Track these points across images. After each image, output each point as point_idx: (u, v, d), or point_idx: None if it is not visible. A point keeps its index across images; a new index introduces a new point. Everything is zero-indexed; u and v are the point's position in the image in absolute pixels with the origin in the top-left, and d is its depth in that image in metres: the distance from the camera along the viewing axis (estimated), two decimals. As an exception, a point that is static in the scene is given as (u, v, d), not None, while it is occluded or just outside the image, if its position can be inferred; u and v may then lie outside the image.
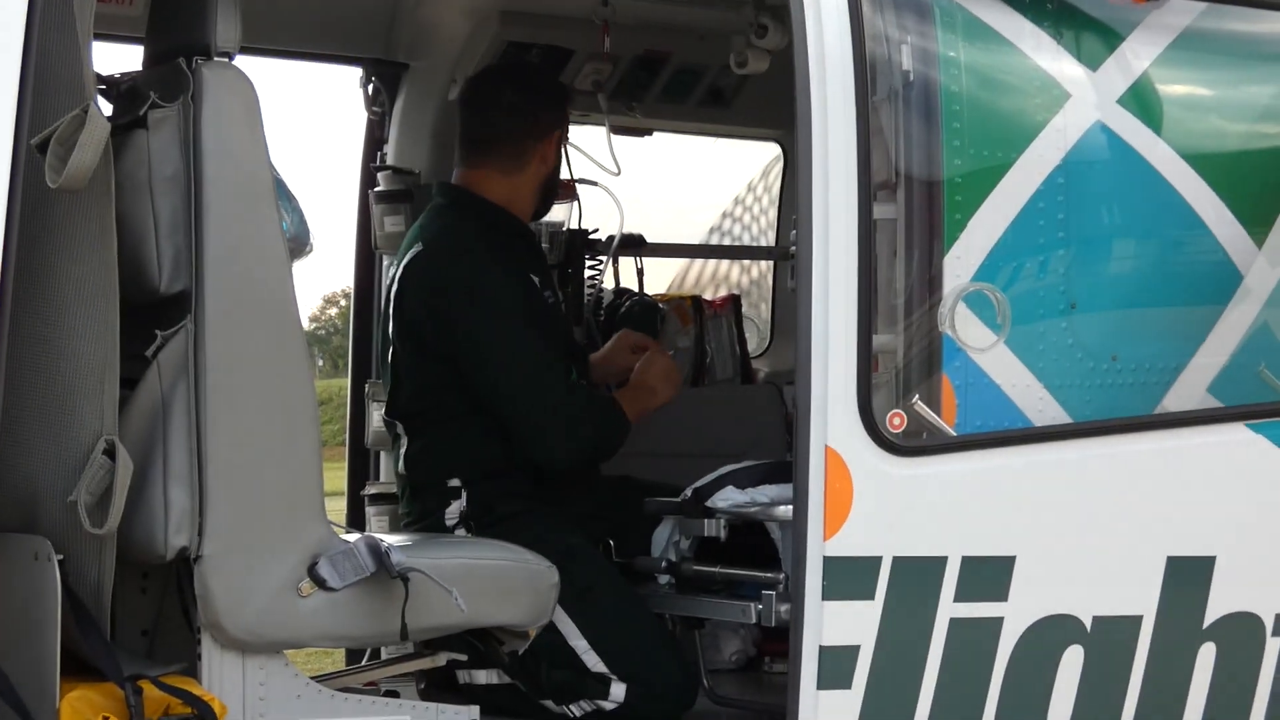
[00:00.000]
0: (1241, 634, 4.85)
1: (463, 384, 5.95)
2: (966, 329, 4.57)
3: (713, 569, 5.67)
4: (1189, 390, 4.93)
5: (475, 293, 5.90)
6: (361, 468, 6.92)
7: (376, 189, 6.96)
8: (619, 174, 7.18)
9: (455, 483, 5.85)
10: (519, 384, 5.87)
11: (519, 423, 5.88)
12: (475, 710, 4.78)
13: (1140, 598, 4.73)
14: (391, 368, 6.13)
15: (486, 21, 6.68)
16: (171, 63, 4.57)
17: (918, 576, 4.47)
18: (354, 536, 4.94)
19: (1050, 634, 4.65)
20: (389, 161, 6.95)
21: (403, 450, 6.33)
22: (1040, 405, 4.70)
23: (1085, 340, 4.84)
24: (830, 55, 4.42)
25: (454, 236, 6.04)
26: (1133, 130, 4.87)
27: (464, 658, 5.28)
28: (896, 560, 4.43)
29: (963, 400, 4.56)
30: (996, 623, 4.55)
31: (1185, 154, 4.92)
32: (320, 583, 4.50)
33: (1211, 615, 4.78)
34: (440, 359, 5.92)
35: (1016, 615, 4.56)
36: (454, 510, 5.80)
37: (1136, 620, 4.73)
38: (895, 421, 4.45)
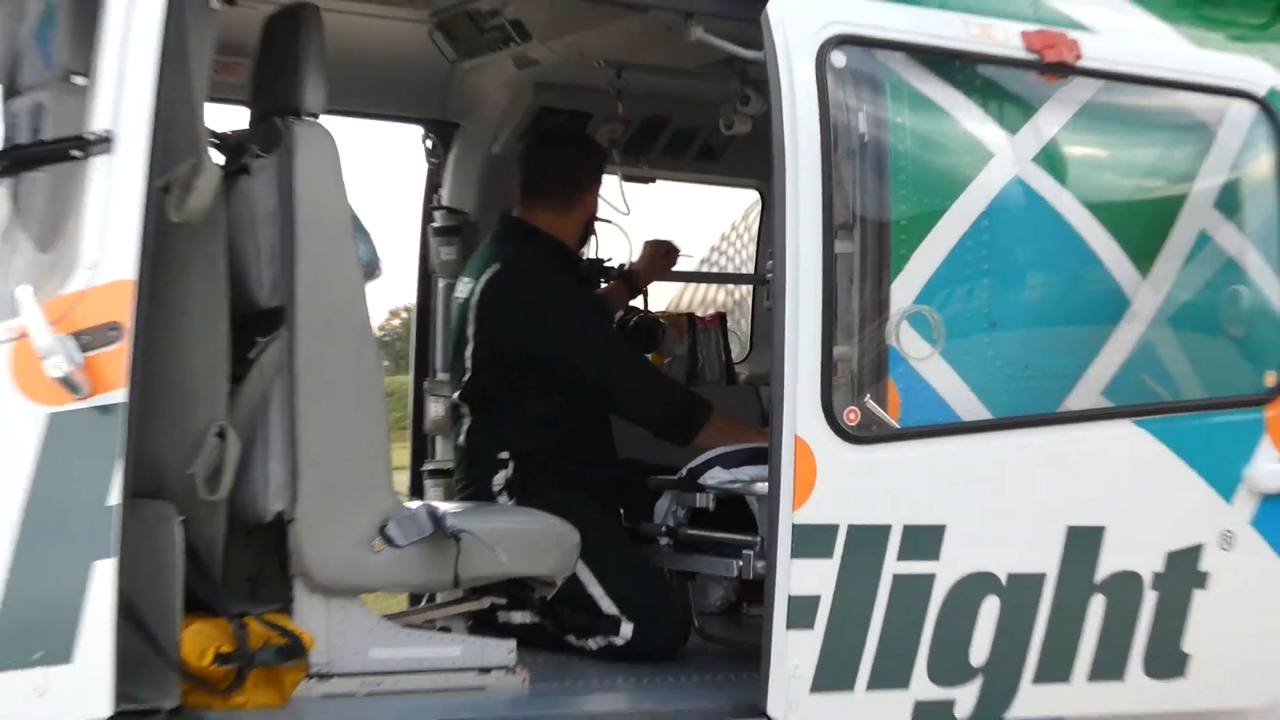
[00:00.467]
0: (1126, 589, 4.87)
1: (532, 378, 5.98)
2: (909, 342, 4.61)
3: (703, 533, 5.73)
4: (1087, 393, 4.96)
5: (561, 308, 6.05)
6: (421, 448, 6.96)
7: (434, 224, 7.01)
8: (628, 214, 7.19)
9: (504, 455, 5.89)
10: (626, 368, 6.13)
11: (622, 390, 6.05)
12: (513, 643, 4.81)
13: (1045, 559, 4.76)
14: (471, 359, 6.11)
15: (523, 90, 6.72)
16: (269, 121, 4.64)
17: (867, 540, 4.49)
18: (416, 504, 5.03)
19: (973, 587, 4.67)
20: (444, 202, 7.00)
21: (465, 427, 6.32)
22: (967, 404, 4.73)
23: (1004, 352, 4.87)
24: (801, 121, 4.43)
25: (528, 259, 6.11)
26: (1043, 183, 4.89)
27: (504, 601, 5.31)
28: (851, 528, 4.47)
29: (905, 399, 4.60)
30: (930, 578, 4.58)
31: (1085, 202, 4.96)
32: (389, 541, 4.57)
33: (1101, 574, 4.82)
34: (514, 359, 5.97)
35: (946, 572, 4.60)
36: (500, 478, 5.84)
37: (1041, 577, 4.77)
38: (851, 416, 4.47)
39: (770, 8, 4.51)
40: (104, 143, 3.40)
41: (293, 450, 4.41)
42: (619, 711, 4.80)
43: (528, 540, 5.06)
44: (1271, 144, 5.23)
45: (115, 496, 3.23)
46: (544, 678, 4.96)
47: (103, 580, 3.20)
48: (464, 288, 6.24)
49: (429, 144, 7.05)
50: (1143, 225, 5.08)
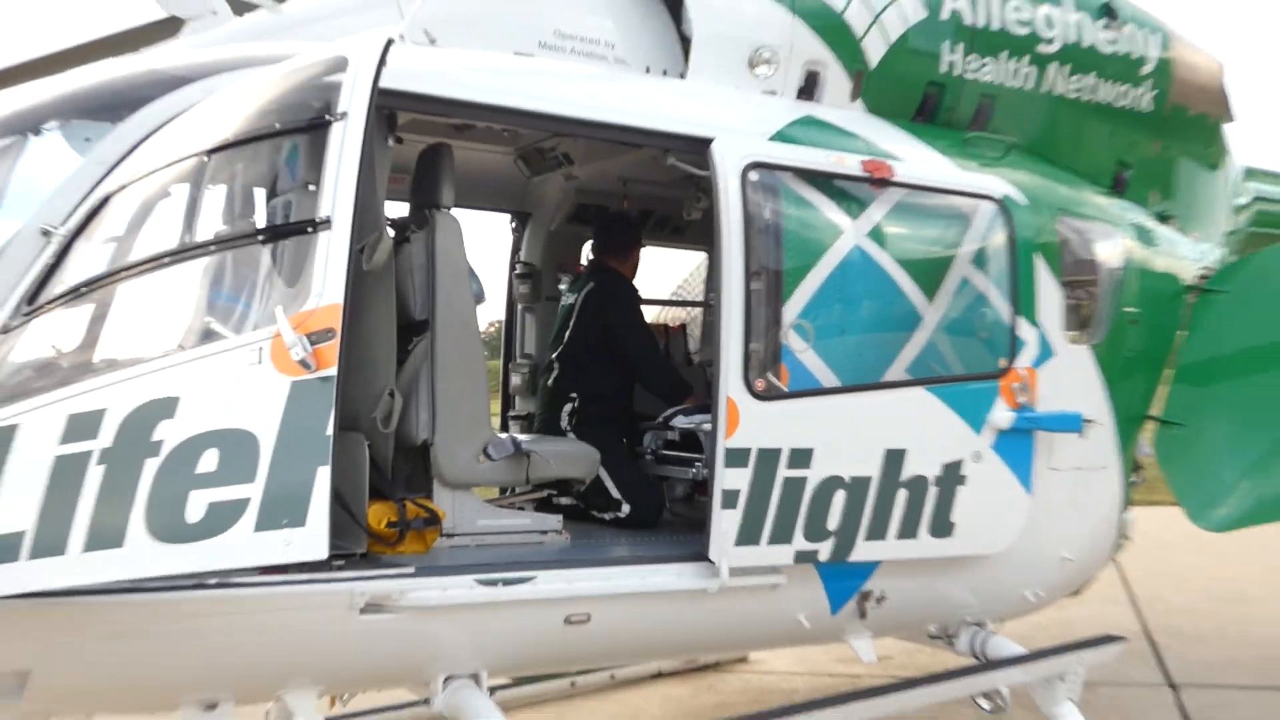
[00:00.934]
0: (918, 485, 4.86)
1: (603, 351, 6.03)
2: (793, 341, 4.69)
3: (672, 453, 5.93)
4: (896, 371, 5.00)
5: (629, 308, 6.15)
6: (507, 403, 6.98)
7: (516, 272, 7.04)
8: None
9: (574, 395, 5.97)
10: (649, 352, 6.17)
11: (647, 368, 6.07)
12: (560, 517, 4.99)
13: (871, 467, 4.77)
14: (569, 337, 6.16)
15: (568, 193, 6.75)
16: (421, 210, 4.85)
17: (768, 457, 4.53)
18: (504, 435, 5.25)
19: (828, 484, 4.68)
20: (521, 259, 7.02)
21: (554, 376, 6.22)
22: (827, 377, 4.75)
23: (848, 348, 4.88)
24: (731, 211, 4.50)
25: (613, 281, 6.18)
26: (871, 248, 4.94)
27: (555, 492, 5.43)
28: (759, 450, 4.52)
29: (791, 375, 4.66)
30: (804, 479, 4.60)
31: (896, 259, 5.00)
32: (488, 456, 4.80)
33: (905, 475, 4.83)
34: (597, 336, 6.01)
35: (814, 476, 4.62)
36: (567, 410, 5.94)
37: (869, 478, 4.76)
38: (759, 385, 4.54)
39: (714, 147, 4.57)
40: (325, 223, 3.47)
41: (432, 404, 4.63)
42: (621, 554, 4.84)
43: (568, 457, 5.25)
44: (1004, 226, 5.22)
45: (329, 430, 3.27)
46: (577, 536, 5.04)
47: (322, 478, 3.23)
48: (568, 298, 6.30)
49: (513, 224, 7.07)
50: (929, 273, 5.10)
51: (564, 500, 5.54)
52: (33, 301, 3.44)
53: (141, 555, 3.11)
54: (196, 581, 3.55)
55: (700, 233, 6.97)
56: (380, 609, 3.96)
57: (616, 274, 6.29)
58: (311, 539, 3.16)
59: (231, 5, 4.79)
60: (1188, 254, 6.56)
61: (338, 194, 3.49)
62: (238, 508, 3.15)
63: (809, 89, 5.39)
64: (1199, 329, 6.20)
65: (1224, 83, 6.83)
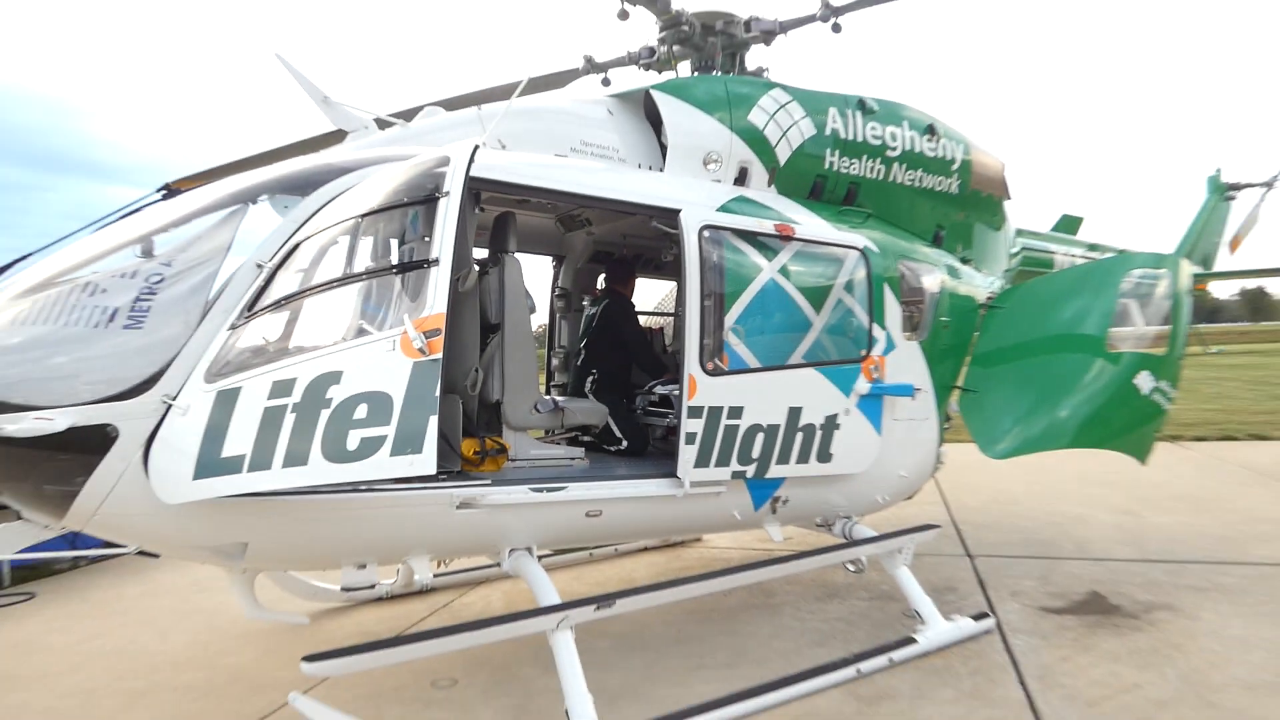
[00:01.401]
0: (808, 430, 4.82)
1: (612, 345, 5.95)
2: (731, 338, 4.62)
3: (655, 409, 5.84)
4: (797, 357, 4.91)
5: (630, 318, 6.10)
6: (549, 376, 6.86)
7: (555, 293, 6.93)
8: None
9: (594, 372, 5.94)
10: (643, 345, 6.08)
11: (641, 355, 6.03)
12: (583, 450, 4.92)
13: (779, 418, 4.74)
14: (588, 336, 6.08)
15: (589, 244, 6.63)
16: (495, 254, 4.83)
17: (715, 413, 4.50)
18: (548, 396, 5.22)
19: (755, 429, 4.65)
20: (559, 285, 6.92)
21: (580, 360, 6.15)
22: (752, 361, 4.68)
23: (766, 342, 4.80)
24: (691, 256, 4.49)
25: (619, 299, 6.10)
26: (781, 279, 4.87)
27: (580, 433, 5.42)
28: (709, 407, 4.49)
29: (729, 359, 4.58)
30: (738, 425, 4.58)
31: (796, 286, 4.92)
32: (537, 410, 4.79)
33: (801, 423, 4.80)
34: (609, 336, 5.97)
35: (746, 424, 4.59)
36: (590, 381, 5.88)
37: (779, 425, 4.73)
38: (709, 366, 4.50)
39: (681, 215, 4.57)
40: (435, 262, 3.47)
41: (502, 376, 4.62)
42: (622, 473, 4.73)
43: (588, 411, 5.24)
44: (865, 266, 5.17)
45: (436, 392, 3.25)
46: (594, 461, 4.97)
47: (432, 424, 3.20)
48: (590, 310, 6.23)
49: (554, 263, 6.96)
50: (817, 295, 5.04)
51: (586, 438, 5.53)
52: (250, 309, 3.47)
53: (319, 470, 3.13)
54: (353, 487, 3.61)
55: (671, 269, 6.93)
56: (469, 506, 4.01)
57: (621, 295, 6.23)
58: (425, 462, 3.15)
59: (378, 123, 4.77)
60: (980, 283, 6.56)
61: (443, 243, 3.51)
62: (379, 441, 3.15)
63: (741, 178, 5.37)
64: (986, 331, 6.20)
65: (1004, 174, 6.80)
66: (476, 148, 3.72)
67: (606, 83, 6.54)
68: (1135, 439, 5.92)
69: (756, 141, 5.34)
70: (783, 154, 5.43)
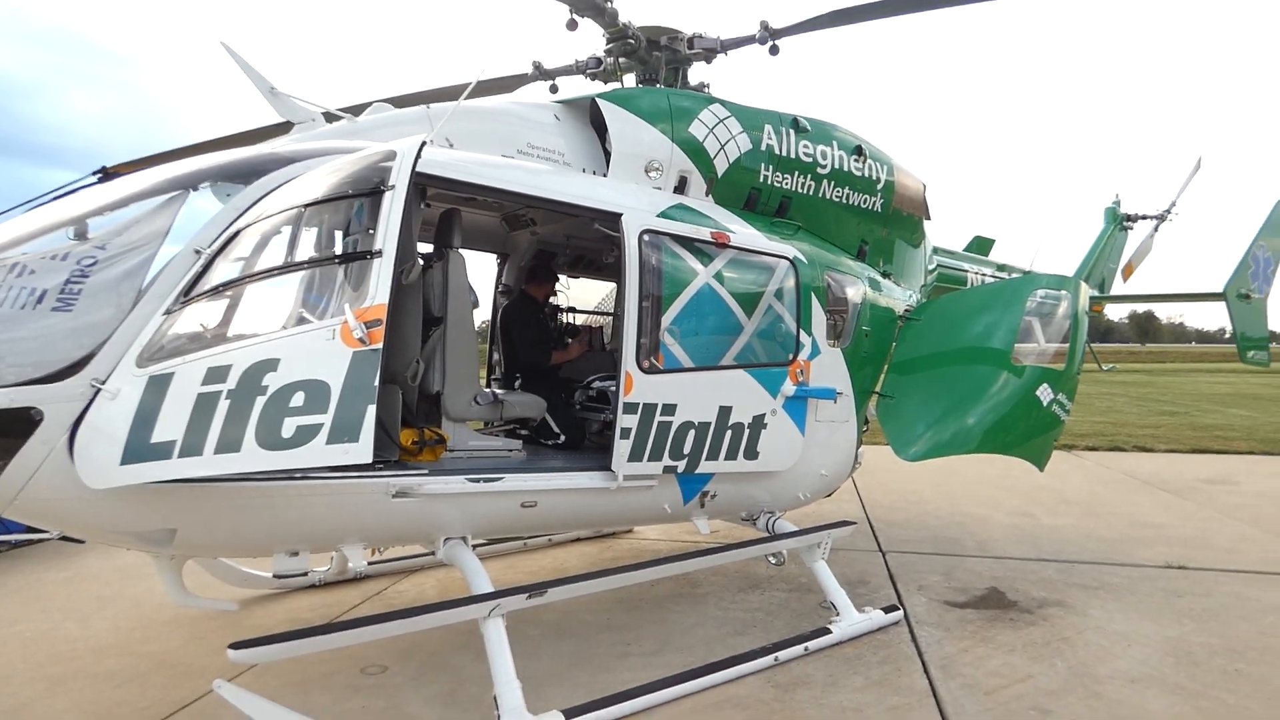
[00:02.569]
0: (738, 428, 4.83)
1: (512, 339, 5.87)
2: (666, 339, 4.58)
3: (593, 404, 5.79)
4: (728, 359, 4.91)
5: (524, 322, 5.91)
6: (490, 370, 6.63)
7: (500, 289, 6.76)
8: (569, 288, 7.23)
9: (517, 375, 5.82)
10: (529, 347, 5.84)
11: (526, 355, 5.82)
12: (520, 442, 4.89)
13: (710, 416, 4.72)
14: (502, 342, 6.03)
15: (532, 243, 6.49)
16: (440, 249, 4.70)
17: (650, 408, 4.47)
18: (488, 389, 5.08)
19: (686, 426, 4.63)
20: (502, 281, 6.76)
21: (504, 364, 6.19)
22: (686, 361, 4.64)
23: (700, 343, 4.78)
24: (631, 259, 4.46)
25: (521, 304, 5.98)
26: (716, 284, 4.85)
27: (518, 426, 5.36)
28: (644, 403, 4.46)
29: (664, 359, 4.55)
30: (670, 422, 4.56)
31: (730, 291, 4.92)
32: (477, 403, 4.70)
33: (731, 422, 4.80)
34: (508, 331, 5.88)
35: (678, 421, 4.57)
36: (517, 384, 5.69)
37: (709, 423, 4.73)
38: (644, 365, 4.46)
39: (623, 219, 4.54)
40: (378, 254, 3.35)
41: (443, 369, 4.52)
42: (558, 465, 4.64)
43: (526, 404, 5.16)
44: (794, 275, 5.21)
45: (375, 382, 3.13)
46: (531, 454, 4.92)
47: (369, 414, 3.08)
48: (500, 315, 6.16)
49: (498, 260, 6.81)
50: (749, 301, 5.04)
51: (523, 432, 5.46)
52: (187, 295, 3.29)
53: (252, 457, 2.99)
54: (287, 474, 3.48)
55: (612, 270, 6.87)
56: (405, 495, 3.90)
57: (528, 297, 6.08)
58: (362, 450, 3.04)
59: (326, 117, 4.61)
60: (899, 296, 6.67)
61: (387, 236, 3.39)
62: (316, 429, 3.03)
63: (681, 187, 5.35)
64: (904, 341, 6.31)
65: (925, 195, 6.97)
66: (424, 143, 3.62)
67: (554, 89, 6.44)
68: (1035, 447, 6.12)
69: (696, 153, 5.34)
70: (720, 166, 5.45)
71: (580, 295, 7.30)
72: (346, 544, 3.98)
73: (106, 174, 3.97)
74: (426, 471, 3.99)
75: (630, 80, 6.15)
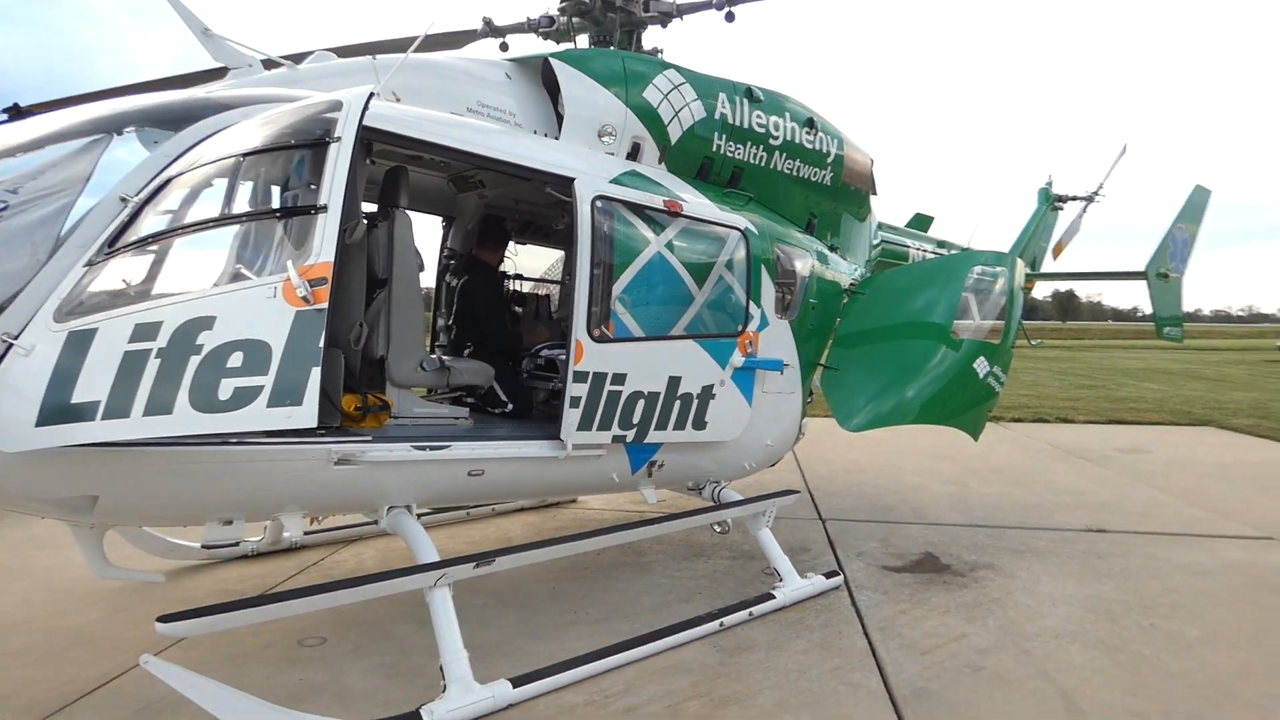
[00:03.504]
0: (686, 398, 4.82)
1: (479, 318, 5.63)
2: (617, 307, 4.49)
3: (541, 372, 5.65)
4: (678, 329, 4.86)
5: (486, 295, 5.72)
6: (434, 337, 6.36)
7: (444, 253, 6.53)
8: (517, 255, 6.99)
9: (469, 344, 5.62)
10: (494, 323, 5.66)
11: (492, 333, 5.58)
12: (467, 410, 4.76)
13: (660, 386, 4.67)
14: (457, 305, 5.80)
15: (479, 206, 6.25)
16: (386, 208, 4.48)
17: (599, 378, 4.40)
18: (434, 355, 4.92)
19: (636, 396, 4.58)
20: (448, 245, 6.52)
21: (453, 334, 5.88)
22: (636, 331, 4.58)
23: (652, 313, 4.71)
24: (583, 224, 4.36)
25: (481, 274, 5.77)
26: (666, 252, 4.78)
27: (465, 393, 5.19)
28: (594, 372, 4.35)
29: (615, 327, 4.48)
30: (619, 392, 4.49)
31: (681, 261, 4.86)
32: (423, 368, 4.55)
33: (680, 391, 4.78)
34: (473, 305, 5.67)
35: (627, 391, 4.51)
36: (466, 353, 5.51)
37: (658, 393, 4.65)
38: (595, 333, 4.38)
39: (575, 184, 4.43)
40: (323, 209, 3.21)
41: (388, 332, 4.35)
42: (506, 433, 4.54)
43: (474, 371, 5.02)
44: (745, 246, 5.18)
45: (320, 344, 3.01)
46: (478, 422, 4.80)
47: (314, 375, 2.97)
48: (453, 281, 5.93)
49: (444, 224, 6.57)
50: (700, 271, 5.00)
51: (470, 399, 5.33)
52: (112, 246, 3.06)
53: (185, 419, 2.82)
54: (222, 439, 3.30)
55: (560, 238, 6.74)
56: (348, 462, 3.77)
57: (485, 265, 5.89)
58: (306, 414, 2.92)
59: (264, 63, 4.34)
60: (845, 270, 6.73)
61: (332, 190, 3.23)
62: (255, 391, 2.88)
63: (634, 154, 5.26)
64: (848, 314, 6.38)
65: (872, 171, 7.02)
66: (371, 95, 3.43)
67: (504, 48, 6.26)
68: (971, 418, 6.30)
69: (650, 119, 5.25)
70: (674, 133, 5.37)
71: (526, 262, 7.11)
72: (284, 512, 3.83)
73: (18, 111, 3.65)
74: (370, 438, 3.84)
75: (583, 41, 6.00)
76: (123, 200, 3.11)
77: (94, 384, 2.78)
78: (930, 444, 11.01)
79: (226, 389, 2.85)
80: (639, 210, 4.77)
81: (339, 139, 3.27)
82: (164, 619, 3.03)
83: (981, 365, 6.11)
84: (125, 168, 3.21)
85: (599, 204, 4.52)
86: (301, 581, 5.46)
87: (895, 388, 6.01)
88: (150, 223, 3.16)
